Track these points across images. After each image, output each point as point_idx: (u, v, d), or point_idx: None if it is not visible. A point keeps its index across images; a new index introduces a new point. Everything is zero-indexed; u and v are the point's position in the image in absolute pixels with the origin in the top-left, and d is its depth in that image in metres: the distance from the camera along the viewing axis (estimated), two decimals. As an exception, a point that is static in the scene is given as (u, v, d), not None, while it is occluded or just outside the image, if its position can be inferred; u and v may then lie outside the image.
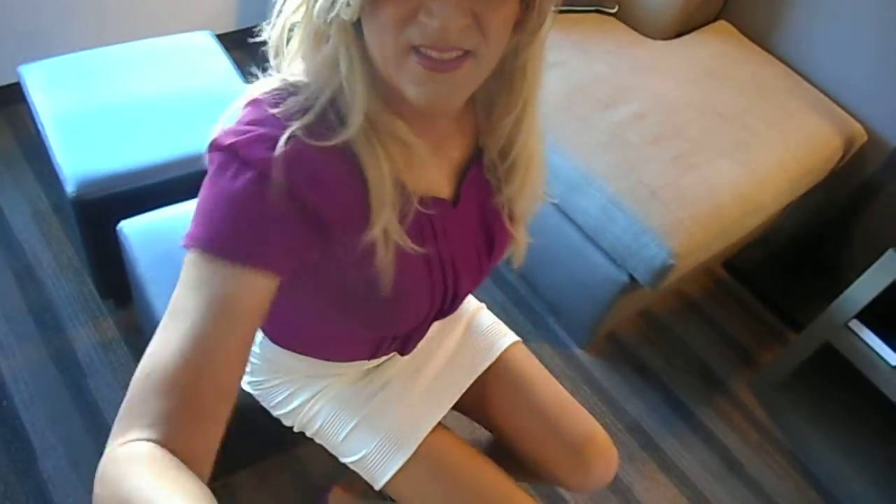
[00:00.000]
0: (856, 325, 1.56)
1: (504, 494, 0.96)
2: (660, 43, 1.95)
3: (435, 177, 0.75)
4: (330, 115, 0.64)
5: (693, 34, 2.01)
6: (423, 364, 1.03)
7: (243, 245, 0.60)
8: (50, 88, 1.48)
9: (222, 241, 0.60)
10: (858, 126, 1.88)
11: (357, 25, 0.60)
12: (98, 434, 1.45)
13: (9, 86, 1.93)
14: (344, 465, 1.00)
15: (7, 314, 1.59)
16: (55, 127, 1.42)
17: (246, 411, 1.23)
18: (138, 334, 1.61)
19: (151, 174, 1.39)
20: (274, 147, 0.61)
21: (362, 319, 0.77)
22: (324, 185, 0.64)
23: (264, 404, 1.04)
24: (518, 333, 1.81)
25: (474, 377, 1.04)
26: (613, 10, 1.99)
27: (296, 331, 0.90)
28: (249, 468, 1.45)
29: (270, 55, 0.68)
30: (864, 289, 1.51)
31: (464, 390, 1.03)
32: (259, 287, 0.60)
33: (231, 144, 0.62)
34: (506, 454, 1.08)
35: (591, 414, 1.54)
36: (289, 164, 0.61)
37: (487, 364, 1.05)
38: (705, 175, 1.58)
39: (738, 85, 1.84)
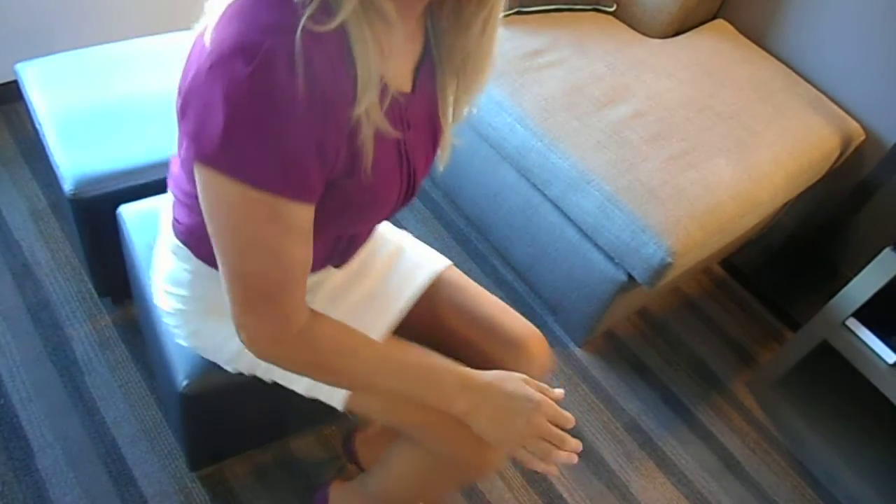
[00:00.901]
0: (853, 324, 1.57)
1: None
2: (658, 41, 1.95)
3: (401, 69, 0.80)
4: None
5: (691, 33, 2.02)
6: (356, 281, 1.07)
7: (293, 185, 0.69)
8: (47, 86, 1.47)
9: (276, 180, 0.67)
10: (856, 125, 1.88)
11: None
12: (95, 432, 1.45)
13: (6, 84, 1.93)
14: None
15: (4, 312, 1.59)
16: (53, 125, 1.41)
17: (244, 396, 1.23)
18: (136, 332, 1.60)
19: (149, 172, 1.38)
20: (288, 44, 0.62)
21: (343, 207, 0.80)
22: (324, 71, 0.66)
23: (207, 356, 1.07)
24: (516, 332, 1.82)
25: (416, 290, 1.08)
26: (612, 9, 1.99)
27: None
28: (247, 465, 1.45)
29: None
30: (862, 287, 1.51)
31: (408, 300, 1.06)
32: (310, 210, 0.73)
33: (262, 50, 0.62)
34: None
35: (589, 412, 1.56)
36: (302, 61, 0.63)
37: (428, 279, 1.10)
38: (703, 174, 1.58)
39: (736, 84, 1.84)
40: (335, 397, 1.00)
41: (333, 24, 0.64)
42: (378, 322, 1.02)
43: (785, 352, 1.74)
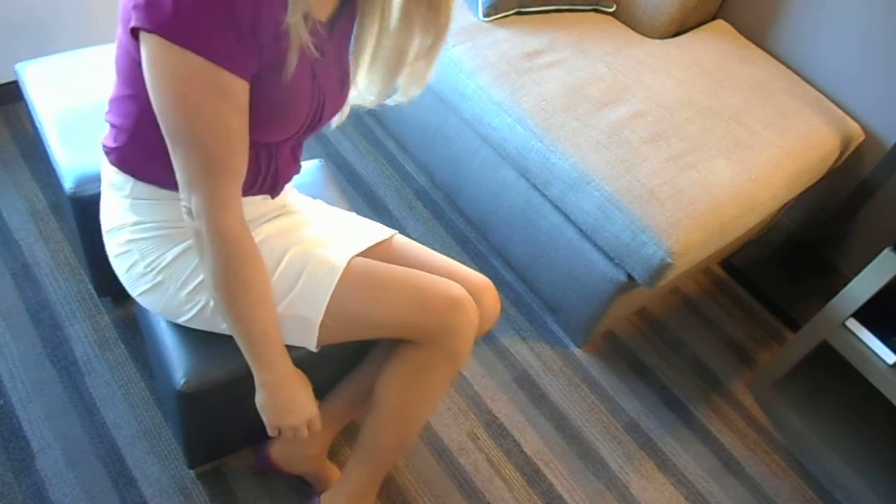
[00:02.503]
0: (853, 324, 1.57)
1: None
2: (658, 42, 1.96)
3: (324, 4, 0.91)
4: None
5: (691, 33, 2.02)
6: (300, 224, 1.16)
7: (234, 58, 0.79)
8: (47, 86, 1.47)
9: (220, 52, 0.77)
10: (856, 125, 1.88)
11: None
12: (95, 432, 1.45)
13: (6, 84, 1.93)
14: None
15: (4, 313, 1.59)
16: (53, 124, 1.41)
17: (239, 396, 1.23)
18: (135, 332, 1.60)
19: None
20: None
21: (259, 106, 0.87)
22: None
23: (167, 310, 1.10)
24: (516, 332, 1.83)
25: (368, 241, 1.17)
26: (611, 9, 2.00)
27: (164, 155, 0.91)
28: (247, 464, 1.45)
29: None
30: (862, 288, 1.51)
31: (363, 246, 1.15)
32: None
33: None
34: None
35: (589, 412, 1.56)
36: None
37: (377, 238, 1.19)
38: (703, 174, 1.58)
39: (735, 84, 1.84)
40: (310, 340, 1.08)
41: None
42: (349, 248, 1.13)
43: (785, 352, 1.74)
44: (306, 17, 0.82)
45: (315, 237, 1.13)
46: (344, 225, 1.22)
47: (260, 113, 0.87)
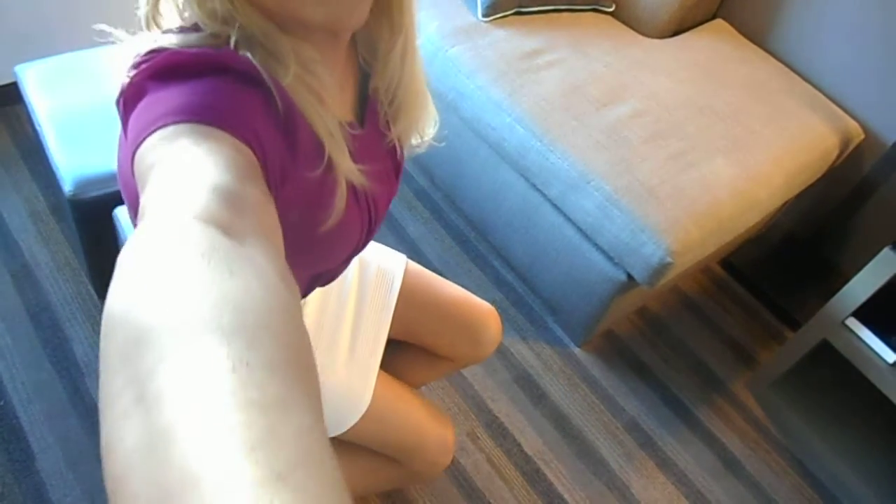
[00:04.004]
0: (853, 323, 1.57)
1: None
2: (657, 41, 1.96)
3: (341, 106, 0.77)
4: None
5: (690, 33, 2.02)
6: (333, 309, 1.09)
7: (229, 118, 0.54)
8: (47, 88, 1.48)
9: (212, 113, 0.54)
10: (855, 124, 1.88)
11: None
12: (95, 433, 1.45)
13: (5, 86, 1.93)
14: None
15: (4, 314, 1.59)
16: (52, 126, 1.41)
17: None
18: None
19: (148, 173, 1.39)
20: (235, 61, 0.59)
21: (298, 259, 0.76)
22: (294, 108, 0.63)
23: None
24: (516, 332, 1.83)
25: (386, 320, 1.14)
26: (611, 9, 2.00)
27: None
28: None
29: (144, 28, 0.64)
30: (862, 286, 1.51)
31: (382, 341, 1.12)
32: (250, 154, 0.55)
33: (199, 55, 0.57)
34: (415, 354, 1.26)
35: (589, 412, 1.56)
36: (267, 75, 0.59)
37: (392, 302, 1.14)
38: (702, 173, 1.58)
39: (734, 83, 1.84)
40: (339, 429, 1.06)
41: (285, 82, 0.62)
42: (372, 359, 1.10)
43: (785, 351, 1.74)
44: (344, 135, 0.69)
45: (346, 336, 1.09)
46: (362, 294, 1.13)
47: (304, 253, 0.75)
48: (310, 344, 0.38)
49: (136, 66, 0.58)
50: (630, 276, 1.59)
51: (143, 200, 0.45)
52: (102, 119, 1.45)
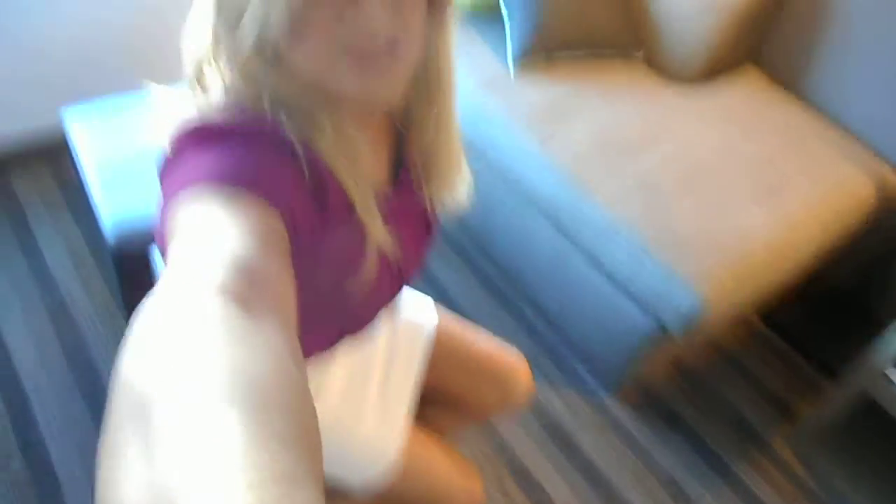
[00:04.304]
0: (894, 374, 1.51)
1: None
2: (687, 88, 1.96)
3: (375, 167, 0.77)
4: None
5: (721, 79, 2.02)
6: (363, 361, 1.07)
7: (259, 183, 0.56)
8: (91, 130, 1.51)
9: (242, 178, 0.55)
10: (892, 171, 1.85)
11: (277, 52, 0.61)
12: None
13: (52, 128, 2.00)
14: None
15: (40, 350, 1.62)
16: (95, 169, 1.45)
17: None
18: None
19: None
20: (270, 128, 0.61)
21: (327, 316, 0.76)
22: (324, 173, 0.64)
23: None
24: (546, 380, 1.80)
25: (416, 372, 1.11)
26: (639, 55, 2.01)
27: None
28: None
29: (189, 88, 0.67)
30: (904, 338, 1.47)
31: (412, 393, 1.09)
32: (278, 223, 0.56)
33: (233, 125, 0.60)
34: (444, 404, 1.23)
35: (621, 464, 1.52)
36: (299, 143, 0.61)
37: (422, 354, 1.12)
38: (735, 222, 1.57)
39: (767, 130, 1.83)
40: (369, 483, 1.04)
41: (321, 148, 0.64)
42: (399, 411, 1.08)
43: (825, 404, 1.68)
44: (377, 200, 0.70)
45: (374, 393, 1.07)
46: (392, 350, 1.12)
47: (334, 312, 0.76)
48: (317, 423, 0.39)
49: (176, 128, 0.61)
50: (663, 326, 1.56)
51: (166, 261, 0.47)
52: (145, 164, 1.48)
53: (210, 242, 0.48)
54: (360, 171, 0.67)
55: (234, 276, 0.44)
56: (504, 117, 1.75)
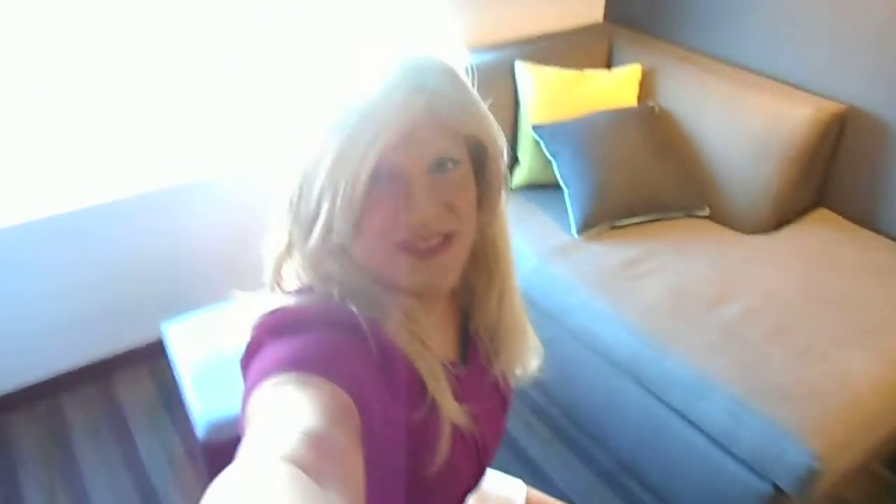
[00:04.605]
0: None
1: None
2: (759, 237, 1.95)
3: (443, 346, 0.78)
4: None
5: (793, 225, 2.00)
6: None
7: (330, 368, 0.60)
8: (187, 341, 1.63)
9: (315, 364, 0.60)
10: None
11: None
12: None
13: (154, 342, 2.15)
14: None
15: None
16: (189, 375, 1.54)
17: None
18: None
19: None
20: (341, 315, 0.65)
21: (412, 501, 0.74)
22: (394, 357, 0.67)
23: None
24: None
25: None
26: (705, 213, 2.03)
27: None
28: None
29: (269, 290, 0.74)
30: None
31: None
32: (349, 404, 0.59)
33: (308, 314, 0.65)
34: None
35: None
36: (370, 329, 0.65)
37: None
38: (835, 367, 1.48)
39: (850, 269, 1.77)
40: None
41: (386, 332, 0.67)
42: None
43: None
44: (447, 376, 0.72)
45: None
46: None
47: (415, 497, 0.73)
48: None
49: (257, 325, 0.68)
50: (777, 487, 1.44)
51: (244, 441, 0.52)
52: (234, 367, 1.56)
53: (282, 421, 0.52)
54: (429, 349, 0.70)
55: (304, 448, 0.48)
56: (574, 281, 1.78)
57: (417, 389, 0.69)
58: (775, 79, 2.06)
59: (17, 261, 1.87)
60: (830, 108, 1.89)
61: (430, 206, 0.64)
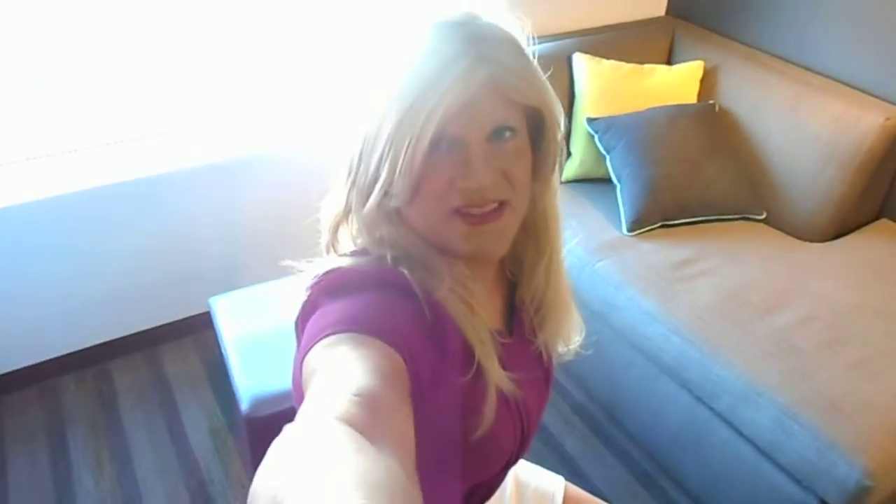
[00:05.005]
0: None
1: None
2: (817, 245, 1.89)
3: (491, 315, 0.80)
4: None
5: (853, 234, 1.94)
6: None
7: (383, 328, 0.63)
8: (234, 316, 1.66)
9: (368, 324, 0.62)
10: None
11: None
12: None
13: (201, 314, 2.19)
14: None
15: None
16: (235, 349, 1.56)
17: None
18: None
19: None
20: (393, 277, 0.68)
21: (447, 466, 0.75)
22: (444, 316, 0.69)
23: None
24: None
25: None
26: (762, 217, 1.98)
27: None
28: None
29: (324, 252, 0.78)
30: None
31: None
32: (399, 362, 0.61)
33: (364, 273, 0.68)
34: None
35: None
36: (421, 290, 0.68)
37: None
38: (892, 382, 1.43)
39: (914, 283, 1.71)
40: None
41: (438, 295, 0.69)
42: None
43: None
44: (494, 342, 0.73)
45: None
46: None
47: (457, 461, 0.75)
48: None
49: (312, 285, 0.70)
50: (823, 502, 1.40)
51: (303, 403, 0.54)
52: (280, 343, 1.58)
53: (337, 380, 0.55)
54: (477, 315, 0.72)
55: (359, 407, 0.51)
56: (623, 279, 1.75)
57: (465, 354, 0.70)
58: (843, 82, 1.99)
59: (76, 226, 1.92)
60: (902, 114, 1.82)
61: (486, 173, 0.65)
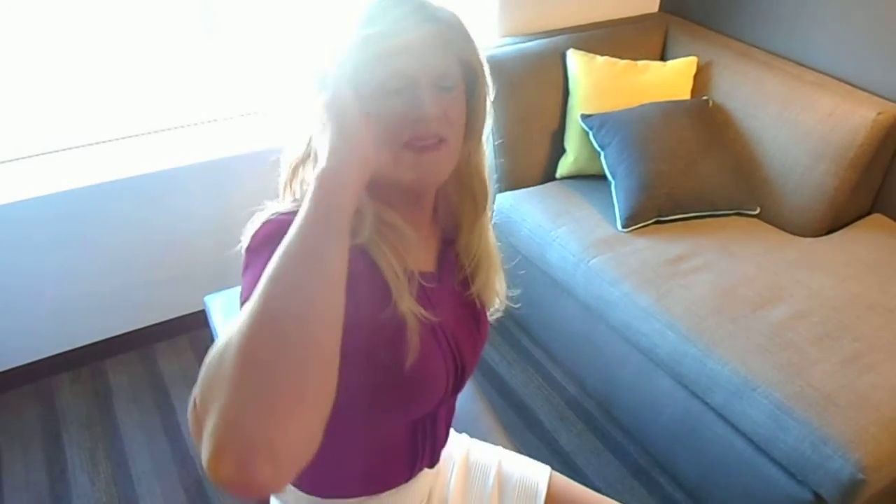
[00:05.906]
0: None
1: None
2: (810, 240, 1.90)
3: (421, 256, 0.89)
4: None
5: (846, 229, 1.95)
6: None
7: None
8: (229, 313, 1.65)
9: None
10: None
11: None
12: None
13: (196, 313, 2.19)
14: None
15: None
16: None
17: None
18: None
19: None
20: None
21: (391, 399, 0.83)
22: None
23: None
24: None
25: None
26: (755, 212, 1.99)
27: (336, 468, 0.89)
28: None
29: (280, 190, 0.85)
30: None
31: None
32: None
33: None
34: None
35: None
36: None
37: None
38: (886, 376, 1.44)
39: (907, 278, 1.72)
40: None
41: (356, 242, 0.76)
42: None
43: None
44: (410, 279, 0.80)
45: None
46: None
47: (394, 397, 0.83)
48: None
49: (253, 234, 0.76)
50: (818, 496, 1.41)
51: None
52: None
53: None
54: (398, 256, 0.80)
55: None
56: (617, 275, 1.75)
57: (383, 291, 0.78)
58: (836, 78, 2.00)
59: (70, 224, 1.91)
60: (894, 110, 1.83)
61: (433, 107, 0.74)
